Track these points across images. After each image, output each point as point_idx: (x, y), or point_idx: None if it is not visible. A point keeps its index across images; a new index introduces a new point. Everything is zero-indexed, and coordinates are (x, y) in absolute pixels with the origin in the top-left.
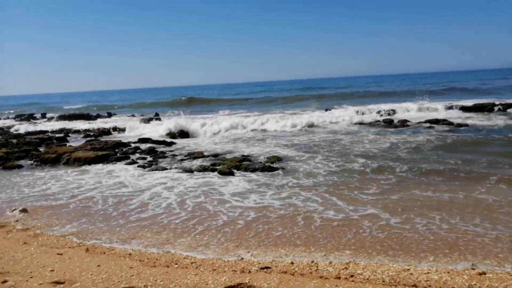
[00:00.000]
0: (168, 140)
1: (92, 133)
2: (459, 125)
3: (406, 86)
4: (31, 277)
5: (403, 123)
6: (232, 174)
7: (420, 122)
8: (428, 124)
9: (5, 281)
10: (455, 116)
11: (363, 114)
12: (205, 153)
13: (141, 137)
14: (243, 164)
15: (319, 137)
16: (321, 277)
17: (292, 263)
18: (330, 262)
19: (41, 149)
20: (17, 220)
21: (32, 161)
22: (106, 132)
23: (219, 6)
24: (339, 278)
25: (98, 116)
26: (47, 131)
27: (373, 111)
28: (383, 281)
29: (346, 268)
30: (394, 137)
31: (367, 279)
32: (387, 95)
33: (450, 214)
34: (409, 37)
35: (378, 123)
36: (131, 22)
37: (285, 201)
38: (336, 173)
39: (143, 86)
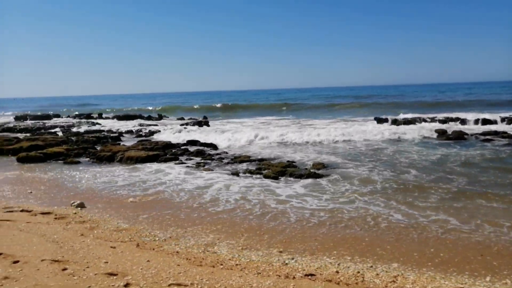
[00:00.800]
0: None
1: (143, 134)
2: None
3: (459, 96)
4: (87, 267)
5: (458, 134)
6: (276, 178)
7: (476, 134)
8: (485, 137)
9: (65, 269)
10: None
11: (415, 123)
12: (251, 157)
13: (190, 139)
14: (288, 170)
15: (362, 144)
16: None
17: (337, 271)
18: (377, 274)
19: (97, 147)
20: (75, 213)
21: (89, 158)
22: (156, 132)
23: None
24: None
25: (149, 118)
26: (103, 130)
27: (426, 121)
28: None
29: (394, 281)
30: (451, 150)
31: None
32: (439, 105)
33: None
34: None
35: (431, 134)
36: (187, 25)
37: (350, 206)
38: (389, 180)
39: (197, 90)
